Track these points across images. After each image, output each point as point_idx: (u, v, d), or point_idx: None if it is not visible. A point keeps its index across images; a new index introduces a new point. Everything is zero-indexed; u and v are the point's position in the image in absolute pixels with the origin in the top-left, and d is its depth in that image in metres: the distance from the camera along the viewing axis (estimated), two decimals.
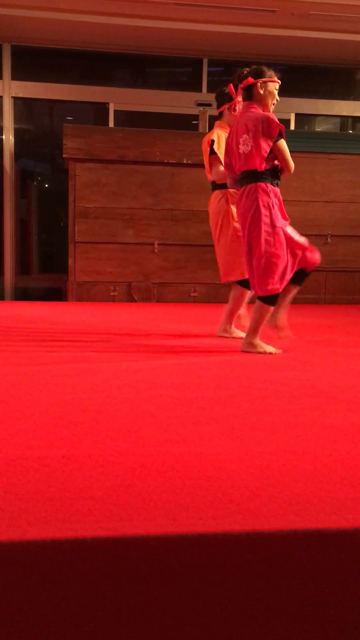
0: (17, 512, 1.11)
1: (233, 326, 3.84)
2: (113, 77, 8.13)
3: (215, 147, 3.67)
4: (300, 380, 2.47)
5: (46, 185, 8.42)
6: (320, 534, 1.07)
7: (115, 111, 7.74)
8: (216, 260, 3.97)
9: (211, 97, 7.57)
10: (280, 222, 3.13)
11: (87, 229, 6.39)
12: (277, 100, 3.24)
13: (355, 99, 8.18)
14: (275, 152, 3.11)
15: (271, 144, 3.08)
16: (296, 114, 7.79)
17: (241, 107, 3.39)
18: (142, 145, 6.41)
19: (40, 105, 8.09)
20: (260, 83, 3.17)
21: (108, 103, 7.72)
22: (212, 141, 3.68)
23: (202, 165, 6.29)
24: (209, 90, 7.69)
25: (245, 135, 3.12)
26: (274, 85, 3.21)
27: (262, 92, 3.18)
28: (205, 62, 7.72)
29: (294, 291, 3.30)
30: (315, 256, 3.21)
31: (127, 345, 3.37)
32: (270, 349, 3.16)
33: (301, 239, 3.19)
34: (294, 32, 6.94)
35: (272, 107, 3.23)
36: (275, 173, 3.18)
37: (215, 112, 3.97)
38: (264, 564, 1.05)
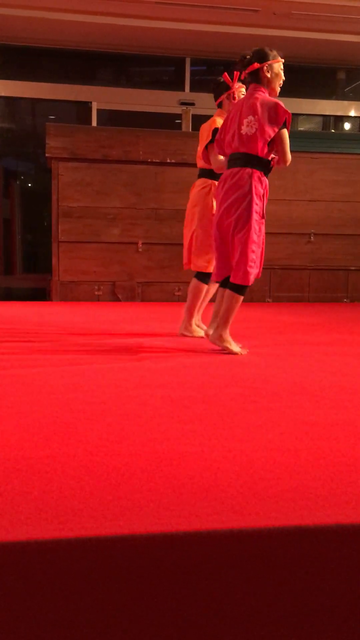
0: (1, 513, 1.11)
1: (194, 323, 3.82)
2: (96, 76, 8.10)
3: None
4: (282, 379, 2.48)
5: (29, 185, 8.37)
6: (303, 530, 1.09)
7: (98, 110, 7.72)
8: None
9: (194, 96, 7.59)
10: (264, 215, 3.14)
11: (71, 228, 6.37)
12: (283, 79, 3.19)
13: (337, 99, 8.23)
14: (276, 140, 3.07)
15: (276, 130, 3.03)
16: None
17: (244, 91, 3.35)
18: (125, 145, 6.40)
19: (23, 104, 8.04)
20: (267, 66, 3.13)
21: (91, 102, 7.70)
22: (216, 129, 3.59)
23: (186, 164, 6.32)
24: (192, 90, 7.70)
25: (250, 117, 3.05)
26: (279, 66, 3.16)
27: (269, 75, 3.13)
28: (187, 61, 7.72)
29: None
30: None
31: (111, 345, 3.37)
32: (236, 348, 3.11)
33: None
34: (276, 32, 6.96)
35: (278, 89, 3.18)
36: (269, 167, 3.15)
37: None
38: (248, 561, 1.06)
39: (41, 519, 1.09)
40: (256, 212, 3.06)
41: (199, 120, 7.38)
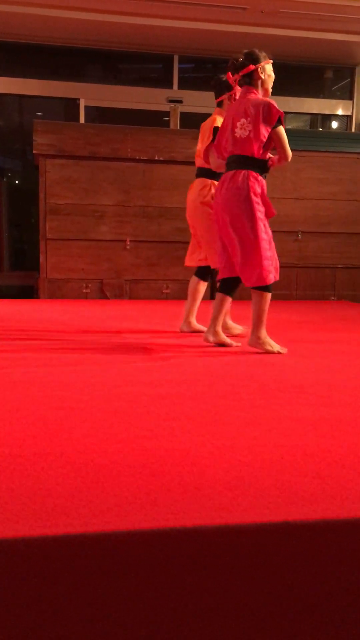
0: None
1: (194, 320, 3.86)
2: (84, 73, 8.06)
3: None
4: (271, 376, 2.49)
5: (17, 182, 8.33)
6: (290, 526, 1.09)
7: (86, 107, 7.68)
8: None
9: (182, 94, 7.57)
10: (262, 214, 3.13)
11: (59, 225, 6.34)
12: (273, 78, 3.24)
13: (325, 97, 8.25)
14: (273, 138, 3.08)
15: (269, 130, 3.06)
16: None
17: (240, 92, 3.33)
18: (113, 142, 6.37)
19: (10, 101, 7.99)
20: (260, 67, 3.16)
21: (79, 99, 7.66)
22: (216, 128, 3.58)
23: (174, 162, 6.31)
24: (180, 87, 7.69)
25: (243, 120, 3.09)
26: (270, 67, 3.21)
27: (263, 76, 3.17)
28: (176, 58, 7.71)
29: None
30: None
31: (98, 343, 3.36)
32: (277, 347, 3.08)
33: None
34: (264, 30, 6.97)
35: (271, 89, 3.23)
36: (265, 167, 3.15)
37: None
38: (235, 557, 1.06)
39: (28, 516, 1.09)
40: (259, 211, 3.06)
41: (187, 118, 7.38)
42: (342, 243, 6.81)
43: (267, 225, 3.12)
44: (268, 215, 3.13)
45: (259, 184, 3.10)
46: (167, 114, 7.52)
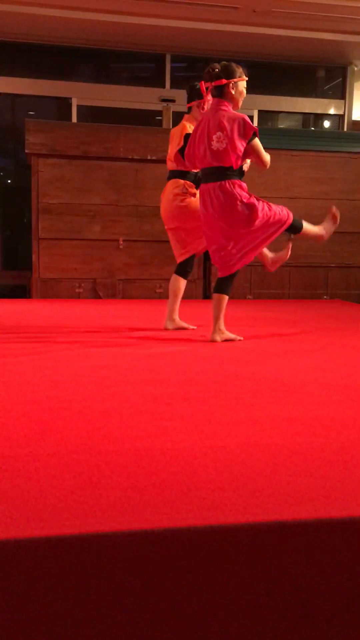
0: None
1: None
2: (76, 72, 8.04)
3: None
4: (263, 375, 2.50)
5: (8, 181, 8.30)
6: (284, 526, 1.10)
7: (78, 106, 7.66)
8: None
9: (174, 93, 7.56)
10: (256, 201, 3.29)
11: (51, 225, 6.33)
12: (244, 96, 3.36)
13: (317, 97, 8.27)
14: (249, 151, 3.24)
15: (245, 144, 3.20)
16: (259, 111, 7.82)
17: (210, 104, 3.38)
18: (105, 141, 6.36)
19: (2, 100, 7.95)
20: (232, 83, 3.24)
21: (71, 98, 7.64)
22: (187, 135, 3.68)
23: (165, 162, 6.31)
24: (173, 86, 7.68)
25: (219, 133, 3.20)
26: (244, 84, 3.31)
27: (233, 92, 3.26)
28: (168, 57, 7.70)
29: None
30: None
31: (91, 342, 3.36)
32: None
33: None
34: (256, 29, 6.97)
35: (241, 105, 3.35)
36: (241, 172, 3.32)
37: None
38: (228, 557, 1.06)
39: (20, 517, 1.08)
40: (261, 204, 3.27)
41: (179, 117, 7.36)
42: (334, 242, 6.82)
43: (264, 204, 3.31)
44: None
45: (242, 188, 3.28)
46: (159, 113, 7.51)
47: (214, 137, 3.22)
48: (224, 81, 3.24)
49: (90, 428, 1.68)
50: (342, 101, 8.12)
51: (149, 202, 6.45)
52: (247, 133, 3.18)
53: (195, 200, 3.77)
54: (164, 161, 6.70)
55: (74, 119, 7.63)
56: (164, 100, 7.56)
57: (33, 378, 2.37)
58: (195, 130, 3.40)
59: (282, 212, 3.39)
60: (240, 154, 3.22)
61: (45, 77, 7.66)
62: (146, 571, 1.03)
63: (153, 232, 6.44)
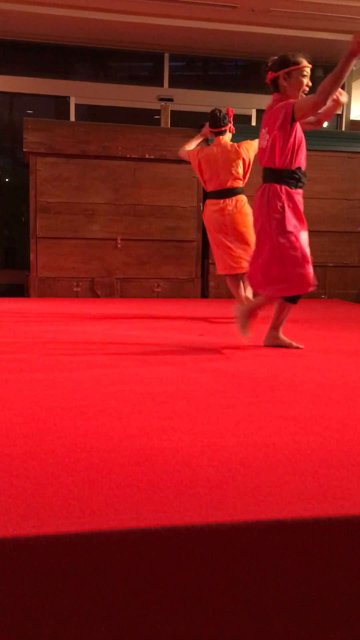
0: None
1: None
2: (74, 71, 8.03)
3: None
4: (261, 374, 2.50)
5: (7, 180, 8.28)
6: (282, 524, 1.10)
7: (76, 105, 7.65)
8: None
9: (173, 92, 7.56)
10: (291, 226, 2.93)
11: (49, 224, 6.32)
12: (308, 86, 2.93)
13: None
14: (301, 108, 2.81)
15: (288, 127, 2.85)
16: (257, 110, 7.83)
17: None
18: (104, 140, 6.36)
19: (0, 99, 7.94)
20: (283, 75, 2.88)
21: (69, 97, 7.63)
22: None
23: (164, 160, 6.29)
24: (171, 85, 7.67)
25: (263, 130, 2.98)
26: (300, 72, 2.88)
27: (285, 83, 2.89)
28: (166, 56, 7.69)
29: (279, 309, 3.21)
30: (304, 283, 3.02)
31: (88, 341, 3.35)
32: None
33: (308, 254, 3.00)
34: (254, 29, 6.97)
35: (301, 95, 2.91)
36: (292, 174, 2.96)
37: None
38: (227, 555, 1.07)
39: (18, 516, 1.08)
40: (275, 227, 2.94)
41: (177, 116, 7.36)
42: (332, 242, 6.83)
43: (290, 240, 2.96)
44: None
45: (280, 197, 2.95)
46: (157, 112, 7.50)
47: (260, 134, 3.03)
48: (271, 75, 2.91)
49: (87, 427, 1.68)
50: None
51: (147, 201, 6.44)
52: (287, 116, 2.85)
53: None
54: (162, 160, 6.69)
55: (72, 118, 7.62)
56: (162, 99, 7.55)
57: (30, 377, 2.37)
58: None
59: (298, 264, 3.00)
60: (283, 145, 2.92)
61: (44, 76, 7.65)
62: (144, 569, 1.03)
63: (151, 231, 6.44)
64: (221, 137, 4.21)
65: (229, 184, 4.18)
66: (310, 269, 2.99)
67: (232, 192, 4.20)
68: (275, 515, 1.11)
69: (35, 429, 1.65)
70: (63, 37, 7.31)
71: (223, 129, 4.20)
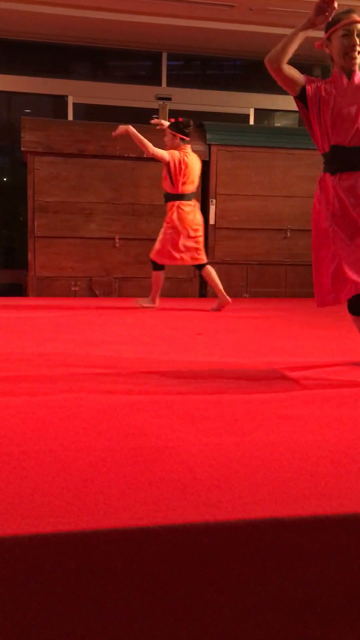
0: None
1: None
2: (72, 70, 8.02)
3: None
4: (259, 373, 2.50)
5: (5, 179, 8.28)
6: (280, 523, 1.10)
7: (74, 104, 7.65)
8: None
9: (171, 91, 7.56)
10: (325, 223, 2.52)
11: (47, 223, 6.31)
12: (353, 46, 2.41)
13: None
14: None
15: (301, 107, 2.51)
16: (255, 109, 7.83)
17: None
18: (102, 139, 6.35)
19: None
20: (323, 42, 2.54)
21: (67, 96, 7.63)
22: None
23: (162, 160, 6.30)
24: (169, 84, 7.67)
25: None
26: (338, 33, 2.44)
27: (328, 51, 2.55)
28: (164, 55, 7.69)
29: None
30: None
31: (87, 339, 3.35)
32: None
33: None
34: (252, 28, 6.97)
35: (349, 62, 2.43)
36: (328, 157, 2.60)
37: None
38: (224, 554, 1.06)
39: (16, 515, 1.08)
40: (313, 225, 2.60)
41: (176, 115, 7.36)
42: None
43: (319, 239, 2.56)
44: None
45: (320, 188, 2.64)
46: (156, 111, 7.49)
47: None
48: (317, 46, 2.55)
49: (85, 426, 1.68)
50: None
51: (145, 201, 6.44)
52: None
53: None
54: (160, 160, 6.68)
55: (70, 117, 7.61)
56: (160, 99, 7.55)
57: (27, 376, 2.37)
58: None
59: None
60: (309, 128, 2.63)
61: (42, 75, 7.65)
62: (143, 568, 1.03)
63: (149, 231, 6.43)
64: (188, 145, 4.86)
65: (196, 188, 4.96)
66: None
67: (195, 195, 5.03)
68: (274, 513, 1.11)
69: (31, 428, 1.65)
70: (61, 36, 7.30)
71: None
